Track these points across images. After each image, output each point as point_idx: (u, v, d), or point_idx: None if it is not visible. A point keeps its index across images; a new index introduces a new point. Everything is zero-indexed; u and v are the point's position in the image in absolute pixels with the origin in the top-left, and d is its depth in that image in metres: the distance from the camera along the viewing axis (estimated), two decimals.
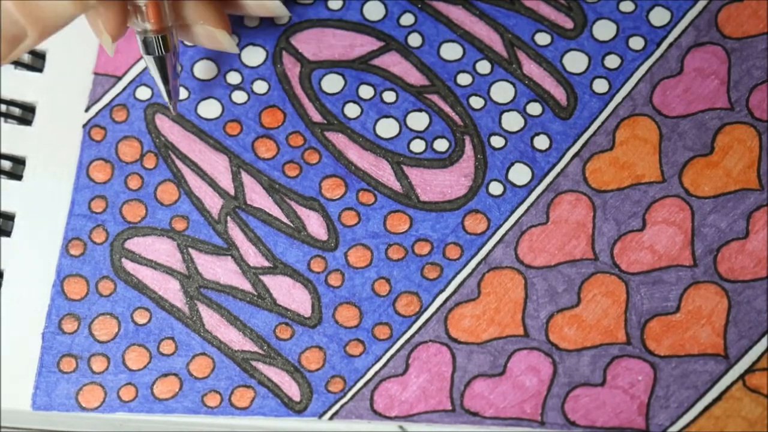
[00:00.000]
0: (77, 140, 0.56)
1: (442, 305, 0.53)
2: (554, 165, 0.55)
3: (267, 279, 0.54)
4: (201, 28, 0.53)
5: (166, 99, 0.54)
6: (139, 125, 0.56)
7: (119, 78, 0.57)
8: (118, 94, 0.57)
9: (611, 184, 0.55)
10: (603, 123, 0.55)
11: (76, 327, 0.53)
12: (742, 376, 0.51)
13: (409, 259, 0.54)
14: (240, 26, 0.58)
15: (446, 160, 0.55)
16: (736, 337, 0.52)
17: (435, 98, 0.56)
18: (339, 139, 0.56)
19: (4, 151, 0.56)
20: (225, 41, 0.54)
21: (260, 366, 0.53)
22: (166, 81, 0.53)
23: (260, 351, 0.53)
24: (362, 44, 0.57)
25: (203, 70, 0.57)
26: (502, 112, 0.56)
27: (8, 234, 0.55)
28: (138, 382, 0.53)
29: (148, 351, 0.53)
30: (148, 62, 0.52)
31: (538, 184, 0.55)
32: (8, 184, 0.55)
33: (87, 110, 0.56)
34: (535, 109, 0.56)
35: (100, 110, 0.56)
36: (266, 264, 0.54)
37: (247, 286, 0.54)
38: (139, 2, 0.50)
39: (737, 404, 0.51)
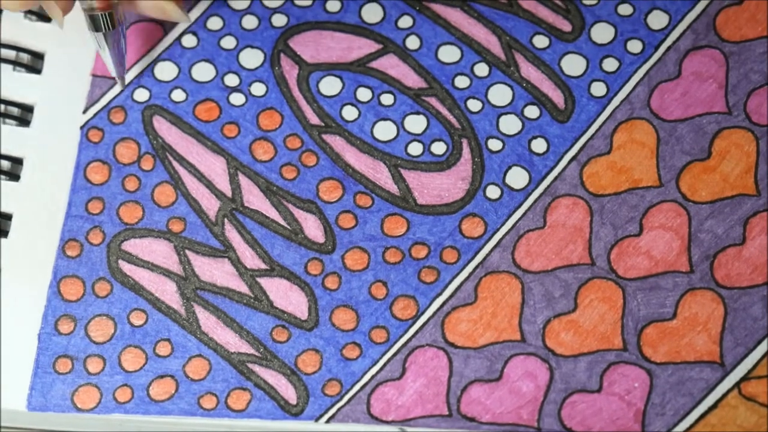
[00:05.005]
0: (75, 141, 0.56)
1: (439, 309, 0.53)
2: (552, 169, 0.55)
3: (264, 281, 0.54)
4: (147, 2, 0.54)
5: (114, 74, 0.55)
6: (137, 127, 0.56)
7: None
8: (115, 96, 0.57)
9: (608, 188, 0.55)
10: (601, 126, 0.55)
11: (72, 328, 0.53)
12: (737, 384, 0.51)
13: (406, 263, 0.54)
14: (238, 28, 0.58)
15: (444, 163, 0.55)
16: (732, 344, 0.52)
17: (433, 101, 0.56)
18: (336, 142, 0.56)
19: (3, 151, 0.56)
20: (173, 12, 0.54)
21: (257, 368, 0.53)
22: (114, 56, 0.54)
23: (257, 353, 0.53)
24: (360, 47, 0.57)
25: (201, 72, 0.57)
26: (499, 115, 0.56)
27: (5, 234, 0.55)
28: (134, 383, 0.53)
29: (144, 352, 0.53)
30: (96, 39, 0.53)
31: (536, 187, 0.55)
32: (6, 184, 0.55)
33: (85, 112, 0.56)
34: (532, 112, 0.56)
35: (98, 112, 0.56)
36: (263, 266, 0.54)
37: (243, 289, 0.54)
38: None
39: (733, 412, 0.51)
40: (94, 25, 0.52)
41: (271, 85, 0.57)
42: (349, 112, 0.56)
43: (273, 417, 0.52)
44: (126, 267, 0.54)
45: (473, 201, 0.55)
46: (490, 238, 0.54)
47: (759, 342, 0.52)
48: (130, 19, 0.58)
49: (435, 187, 0.55)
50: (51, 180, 0.56)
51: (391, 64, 0.57)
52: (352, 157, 0.56)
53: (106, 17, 0.52)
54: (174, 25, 0.58)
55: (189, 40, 0.58)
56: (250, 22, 0.58)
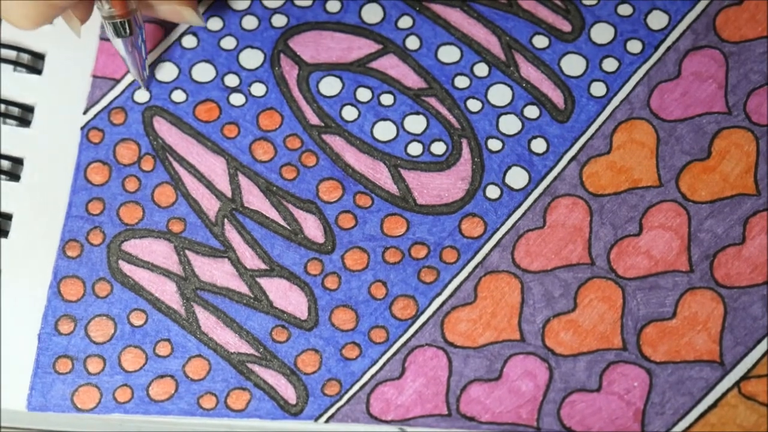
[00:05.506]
0: (75, 142, 0.56)
1: (438, 309, 0.53)
2: (551, 168, 0.55)
3: (263, 281, 0.54)
4: (165, 6, 0.54)
5: (137, 78, 0.56)
6: (137, 128, 0.56)
7: (117, 81, 0.57)
8: (116, 97, 0.57)
9: (608, 188, 0.55)
10: (600, 126, 0.55)
11: (72, 328, 0.53)
12: (737, 383, 0.51)
13: (405, 263, 0.54)
14: (238, 28, 0.58)
15: (443, 163, 0.55)
16: (732, 343, 0.52)
17: (432, 101, 0.56)
18: (336, 142, 0.56)
19: (3, 151, 0.56)
20: (190, 17, 0.55)
21: (256, 368, 0.53)
22: (134, 61, 0.54)
23: (256, 353, 0.53)
24: (360, 47, 0.57)
25: (201, 72, 0.57)
26: (499, 115, 0.56)
27: (5, 234, 0.55)
28: (133, 383, 0.53)
29: (144, 352, 0.53)
30: (117, 45, 0.53)
31: (535, 187, 0.55)
32: (6, 185, 0.55)
33: (85, 112, 0.56)
34: (532, 112, 0.56)
35: (99, 113, 0.56)
36: (263, 266, 0.54)
37: (243, 289, 0.54)
38: None
39: (732, 411, 0.51)
40: (115, 31, 0.52)
41: (271, 86, 0.57)
42: (349, 113, 0.56)
43: (272, 417, 0.52)
44: (126, 267, 0.54)
45: (473, 201, 0.55)
46: (489, 238, 0.54)
47: (759, 341, 0.52)
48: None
49: (435, 187, 0.55)
50: (51, 180, 0.56)
51: (391, 65, 0.57)
52: (352, 157, 0.56)
53: (125, 24, 0.52)
54: (174, 26, 0.58)
55: (189, 41, 0.58)
56: (250, 22, 0.58)
